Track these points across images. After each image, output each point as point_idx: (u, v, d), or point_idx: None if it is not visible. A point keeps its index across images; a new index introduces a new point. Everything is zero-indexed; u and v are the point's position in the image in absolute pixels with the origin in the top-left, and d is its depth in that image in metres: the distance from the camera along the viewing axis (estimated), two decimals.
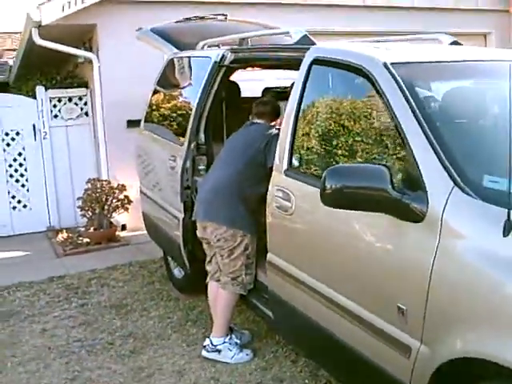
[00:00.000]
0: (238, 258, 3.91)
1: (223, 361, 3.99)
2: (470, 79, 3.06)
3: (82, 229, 7.52)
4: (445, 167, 2.38)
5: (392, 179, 2.44)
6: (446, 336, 2.26)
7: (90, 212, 7.27)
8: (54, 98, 8.22)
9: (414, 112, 2.58)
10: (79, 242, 7.32)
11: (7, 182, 8.15)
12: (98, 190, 7.22)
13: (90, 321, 4.82)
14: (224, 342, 4.05)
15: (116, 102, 7.50)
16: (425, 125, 2.52)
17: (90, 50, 7.98)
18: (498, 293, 2.08)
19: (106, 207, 7.24)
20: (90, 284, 5.65)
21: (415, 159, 2.48)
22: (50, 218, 8.30)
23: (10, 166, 8.16)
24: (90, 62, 7.77)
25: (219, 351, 4.04)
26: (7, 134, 8.10)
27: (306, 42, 3.71)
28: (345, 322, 2.89)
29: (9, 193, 8.18)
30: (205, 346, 4.09)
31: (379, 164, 2.56)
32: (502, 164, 2.42)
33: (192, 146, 4.48)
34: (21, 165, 8.20)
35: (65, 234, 7.62)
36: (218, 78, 4.55)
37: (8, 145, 8.12)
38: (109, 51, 7.56)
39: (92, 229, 7.35)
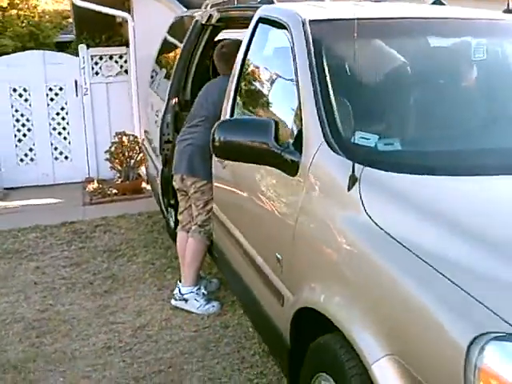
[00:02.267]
0: (211, 209, 4.08)
1: (189, 309, 4.20)
2: (387, 38, 3.03)
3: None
4: (321, 122, 2.43)
5: (277, 133, 2.51)
6: (301, 286, 2.34)
7: (117, 165, 7.64)
8: (95, 55, 8.60)
9: (311, 68, 2.62)
10: (108, 192, 7.71)
11: (50, 134, 8.66)
12: (125, 144, 7.56)
13: (81, 262, 5.17)
14: (191, 292, 4.25)
15: (147, 59, 7.75)
16: (316, 81, 2.56)
17: (129, 10, 8.27)
18: (334, 247, 2.15)
19: (131, 160, 7.58)
20: (94, 230, 6.01)
21: (301, 114, 2.55)
22: (88, 170, 8.76)
23: (53, 119, 8.64)
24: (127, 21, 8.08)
25: (186, 300, 4.24)
26: (51, 89, 8.57)
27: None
28: (249, 269, 3.03)
29: (52, 144, 8.69)
30: (174, 295, 4.32)
31: (268, 118, 2.65)
32: (384, 122, 2.49)
33: (173, 101, 4.66)
34: (63, 118, 8.68)
35: (95, 185, 8.04)
36: (204, 38, 4.69)
37: (52, 99, 8.60)
38: (141, 11, 7.82)
39: (120, 180, 7.74)
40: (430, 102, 2.62)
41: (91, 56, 8.59)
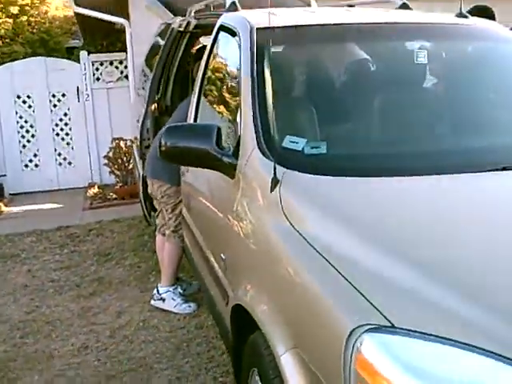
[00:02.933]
0: (180, 213, 4.23)
1: (166, 309, 4.35)
2: (329, 44, 3.11)
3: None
4: (255, 127, 2.54)
5: (219, 138, 2.63)
6: (238, 285, 2.46)
7: (115, 169, 7.83)
8: (96, 61, 8.81)
9: (252, 74, 2.72)
10: (108, 197, 7.91)
11: (54, 140, 8.89)
12: (123, 149, 7.74)
13: (71, 265, 5.35)
14: (168, 291, 4.41)
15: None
16: (255, 87, 2.66)
17: (127, 17, 8.44)
18: (257, 247, 2.27)
19: (129, 165, 7.76)
20: (88, 234, 6.19)
21: (240, 119, 2.66)
22: (91, 175, 8.96)
23: (57, 125, 8.88)
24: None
25: (163, 300, 4.40)
26: (54, 96, 8.80)
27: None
28: (205, 269, 3.17)
29: (55, 150, 8.92)
30: (153, 295, 4.47)
31: (212, 123, 2.77)
32: (315, 127, 2.60)
33: (153, 107, 4.81)
34: (66, 124, 8.91)
35: (96, 190, 8.23)
36: (182, 45, 4.84)
37: (55, 105, 8.83)
38: (138, 18, 7.97)
39: (119, 185, 7.92)
40: (360, 107, 2.72)
41: (92, 62, 8.81)
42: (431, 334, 1.47)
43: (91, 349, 3.88)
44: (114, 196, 7.88)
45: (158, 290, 4.44)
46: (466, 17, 3.32)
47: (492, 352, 1.41)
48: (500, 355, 1.40)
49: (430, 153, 2.45)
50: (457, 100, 2.84)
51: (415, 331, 1.48)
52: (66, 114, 8.88)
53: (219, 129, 2.65)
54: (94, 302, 4.57)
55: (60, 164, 8.97)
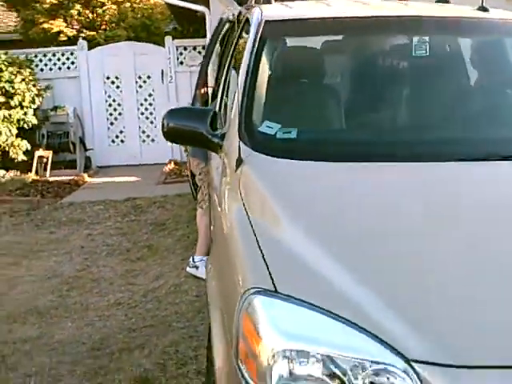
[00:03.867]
0: None
1: (199, 276, 4.70)
2: (331, 37, 3.27)
3: None
4: (240, 111, 2.77)
5: (214, 121, 2.89)
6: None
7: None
8: (179, 46, 9.29)
9: (249, 64, 2.97)
10: (182, 173, 8.37)
11: (138, 118, 9.50)
12: None
13: (128, 232, 5.83)
14: (201, 260, 4.75)
15: None
16: (249, 75, 2.89)
17: (207, 4, 8.84)
18: (219, 222, 2.52)
19: None
20: (151, 206, 6.67)
21: (232, 103, 2.92)
22: (172, 152, 9.49)
23: (142, 104, 9.47)
24: None
25: (197, 267, 4.75)
26: (140, 78, 9.39)
27: None
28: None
29: (139, 128, 9.53)
30: (188, 263, 4.85)
31: (207, 108, 3.05)
32: (293, 114, 2.82)
33: (202, 90, 5.15)
34: (150, 104, 9.48)
35: (172, 166, 8.73)
36: (234, 32, 5.13)
37: (140, 86, 9.42)
38: (216, 6, 8.34)
39: None
40: (341, 95, 2.88)
41: (176, 47, 9.29)
42: (306, 301, 1.60)
43: (123, 305, 4.30)
44: (187, 173, 8.33)
45: (193, 259, 4.80)
46: (486, 10, 3.33)
47: (355, 324, 1.54)
48: (361, 327, 1.53)
49: (396, 142, 2.56)
50: (432, 93, 2.90)
51: (293, 297, 1.62)
52: (150, 95, 9.44)
53: (215, 112, 2.91)
54: (138, 266, 5.01)
55: (143, 141, 9.57)
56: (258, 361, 1.61)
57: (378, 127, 2.68)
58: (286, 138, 2.57)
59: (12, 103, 8.20)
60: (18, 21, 15.59)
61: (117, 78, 9.35)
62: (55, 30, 14.79)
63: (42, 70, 9.42)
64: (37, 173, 8.60)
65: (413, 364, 1.47)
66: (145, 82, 9.40)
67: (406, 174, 2.33)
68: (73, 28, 14.50)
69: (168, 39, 9.29)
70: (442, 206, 2.09)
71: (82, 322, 4.07)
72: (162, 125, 2.97)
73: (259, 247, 1.90)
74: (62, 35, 13.68)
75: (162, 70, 9.31)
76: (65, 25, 14.69)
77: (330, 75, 3.07)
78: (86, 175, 8.55)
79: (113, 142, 9.52)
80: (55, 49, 9.58)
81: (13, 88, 8.18)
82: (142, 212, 6.47)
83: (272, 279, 1.70)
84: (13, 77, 8.26)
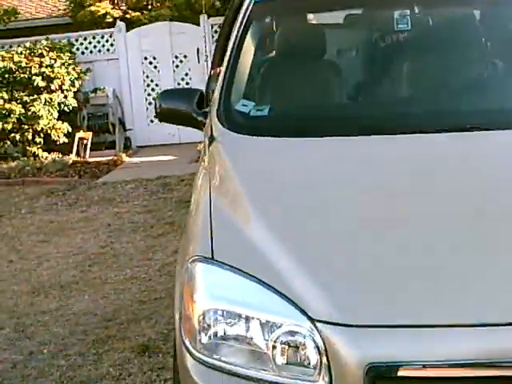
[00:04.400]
0: None
1: None
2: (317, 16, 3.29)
3: None
4: (221, 91, 2.87)
5: (201, 100, 2.99)
6: None
7: None
8: (215, 24, 9.39)
9: (233, 44, 3.05)
10: None
11: None
12: None
13: (154, 209, 6.04)
14: None
15: None
16: (233, 56, 2.96)
17: None
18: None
19: None
20: (179, 183, 6.86)
21: (216, 82, 3.02)
22: None
23: (179, 84, 9.65)
24: None
25: None
26: (176, 57, 9.56)
27: None
28: None
29: None
30: None
31: (195, 88, 3.14)
32: (269, 92, 2.89)
33: (218, 70, 5.25)
34: (187, 83, 9.64)
35: None
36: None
37: (177, 66, 9.60)
38: None
39: None
40: (318, 73, 2.91)
41: (211, 25, 9.39)
42: (235, 267, 1.72)
43: (138, 279, 4.50)
44: None
45: None
46: None
47: (273, 288, 1.66)
48: (278, 290, 1.65)
49: (366, 116, 2.55)
50: (407, 67, 2.89)
51: (225, 263, 1.75)
52: (186, 74, 9.61)
53: (201, 93, 3.01)
54: (159, 242, 5.20)
55: None
56: (191, 323, 1.75)
57: (347, 103, 2.73)
58: (258, 115, 2.65)
59: (52, 87, 8.52)
60: (68, 4, 16.06)
61: (154, 58, 9.54)
62: (101, 12, 15.18)
63: (82, 53, 9.71)
64: (78, 154, 8.93)
65: (317, 324, 1.56)
66: (181, 61, 9.56)
67: (370, 148, 2.34)
68: (119, 9, 14.84)
69: (203, 17, 9.42)
70: (394, 178, 2.14)
71: (98, 295, 4.30)
72: (155, 105, 3.11)
73: (210, 221, 2.03)
74: (108, 17, 14.02)
75: (198, 49, 9.44)
76: (111, 7, 15.05)
77: (310, 54, 3.10)
78: (124, 155, 8.81)
79: (151, 121, 9.74)
80: (95, 32, 9.85)
81: (53, 72, 8.48)
82: (169, 190, 6.67)
83: (212, 249, 1.83)
84: (52, 61, 8.56)
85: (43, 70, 8.46)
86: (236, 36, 3.05)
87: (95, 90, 9.39)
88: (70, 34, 9.72)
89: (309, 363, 1.60)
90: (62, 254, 5.12)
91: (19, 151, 8.80)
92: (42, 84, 8.47)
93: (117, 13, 14.58)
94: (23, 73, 8.41)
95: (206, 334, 1.71)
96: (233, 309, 1.69)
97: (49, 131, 8.60)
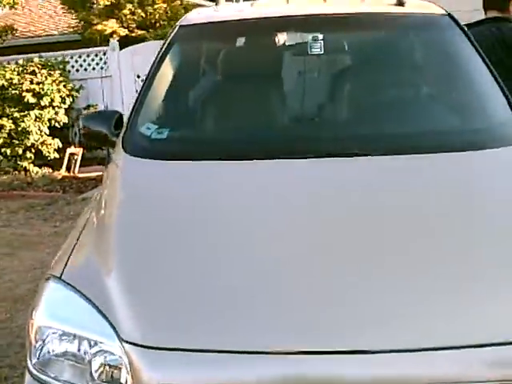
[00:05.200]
0: None
1: None
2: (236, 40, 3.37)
3: None
4: (129, 115, 2.94)
5: (117, 122, 3.08)
6: None
7: None
8: None
9: (151, 68, 3.15)
10: None
11: None
12: None
13: None
14: None
15: None
16: (148, 78, 3.07)
17: None
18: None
19: None
20: None
21: None
22: None
23: None
24: None
25: None
26: None
27: None
28: None
29: None
30: None
31: (114, 110, 3.25)
32: (172, 116, 2.98)
33: None
34: None
35: None
36: None
37: None
38: None
39: None
40: (219, 98, 3.00)
41: None
42: (75, 288, 1.84)
43: None
44: None
45: None
46: (402, 4, 3.31)
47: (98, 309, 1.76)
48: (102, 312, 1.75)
49: (252, 141, 2.60)
50: (308, 93, 2.96)
51: (69, 284, 1.87)
52: None
53: (120, 115, 3.10)
54: None
55: None
56: (29, 339, 1.85)
57: (241, 127, 2.79)
58: (158, 138, 2.73)
59: (42, 103, 8.72)
60: (77, 22, 16.44)
61: None
62: (108, 31, 15.50)
63: (77, 70, 9.92)
64: (68, 170, 9.10)
65: (125, 345, 1.65)
66: None
67: (251, 173, 2.40)
68: (125, 28, 15.15)
69: None
70: (262, 200, 2.20)
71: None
72: (79, 128, 3.23)
73: (76, 243, 2.14)
74: (114, 35, 14.33)
75: None
76: (118, 25, 15.36)
77: (215, 78, 3.20)
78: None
79: None
80: (89, 50, 10.05)
81: (43, 90, 8.69)
82: None
83: (64, 269, 1.95)
84: (43, 79, 8.78)
85: (33, 86, 8.67)
86: (156, 59, 3.16)
87: (88, 107, 9.58)
88: (64, 52, 9.94)
89: (120, 382, 1.68)
90: (24, 267, 5.23)
91: (10, 166, 9.00)
92: (33, 100, 8.68)
93: (123, 31, 14.90)
94: (15, 89, 8.62)
95: (40, 351, 1.80)
96: (65, 327, 1.78)
97: (39, 146, 8.80)
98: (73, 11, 16.42)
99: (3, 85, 8.67)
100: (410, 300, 1.69)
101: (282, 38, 3.33)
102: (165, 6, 15.34)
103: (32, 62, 9.10)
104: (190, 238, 2.05)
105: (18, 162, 8.84)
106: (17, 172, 8.88)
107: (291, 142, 2.56)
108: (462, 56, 3.03)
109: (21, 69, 8.89)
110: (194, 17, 3.46)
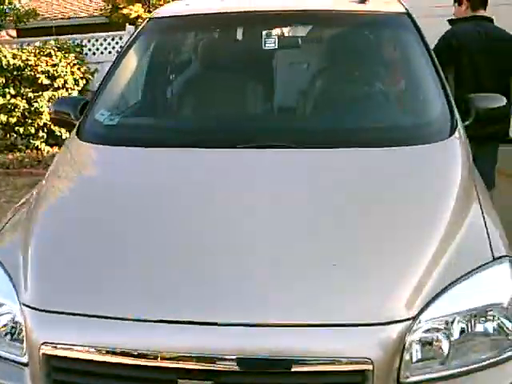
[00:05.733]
0: None
1: None
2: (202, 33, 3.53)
3: None
4: (91, 101, 3.13)
5: (83, 107, 3.25)
6: None
7: None
8: None
9: (117, 56, 3.33)
10: None
11: None
12: None
13: None
14: None
15: None
16: (113, 67, 3.24)
17: None
18: None
19: None
20: None
21: None
22: None
23: None
24: None
25: None
26: None
27: None
28: None
29: None
30: None
31: (81, 97, 3.44)
32: (127, 104, 3.16)
33: None
34: None
35: None
36: None
37: None
38: None
39: None
40: (174, 88, 3.16)
41: None
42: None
43: None
44: None
45: None
46: (363, 2, 3.40)
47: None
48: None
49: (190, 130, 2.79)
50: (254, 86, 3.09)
51: None
52: None
53: (86, 101, 3.29)
54: None
55: None
56: None
57: (188, 117, 2.96)
58: (109, 124, 2.92)
59: (55, 85, 8.99)
60: (105, 5, 16.72)
61: None
62: (134, 14, 15.74)
63: (94, 54, 10.16)
64: None
65: (22, 306, 1.85)
66: None
67: (188, 159, 2.57)
68: (150, 12, 15.36)
69: None
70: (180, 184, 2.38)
71: None
72: (49, 112, 3.42)
73: (10, 218, 2.34)
74: (139, 19, 14.59)
75: None
76: (143, 10, 15.61)
77: (175, 69, 3.37)
78: None
79: None
80: (106, 34, 10.27)
81: (56, 72, 8.95)
82: None
83: None
84: (58, 61, 9.04)
85: (48, 68, 8.94)
86: (122, 49, 3.33)
87: None
88: (80, 36, 10.18)
89: (21, 341, 1.87)
90: None
91: (24, 144, 9.31)
92: (47, 82, 8.94)
93: (148, 16, 15.12)
94: (30, 70, 8.89)
95: None
96: None
97: (52, 126, 9.06)
98: None
99: (19, 66, 8.94)
100: (284, 276, 1.84)
101: (240, 33, 3.49)
102: None
103: (49, 44, 9.36)
104: (113, 219, 2.23)
105: (31, 141, 9.13)
106: (29, 150, 9.18)
107: (227, 131, 2.72)
108: (411, 55, 3.14)
109: (37, 51, 9.14)
110: (164, 10, 3.63)
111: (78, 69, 9.32)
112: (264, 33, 3.23)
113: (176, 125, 2.89)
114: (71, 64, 9.20)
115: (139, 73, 3.31)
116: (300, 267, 1.87)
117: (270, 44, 3.19)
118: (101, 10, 17.23)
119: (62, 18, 19.11)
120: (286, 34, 3.33)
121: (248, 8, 3.45)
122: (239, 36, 3.45)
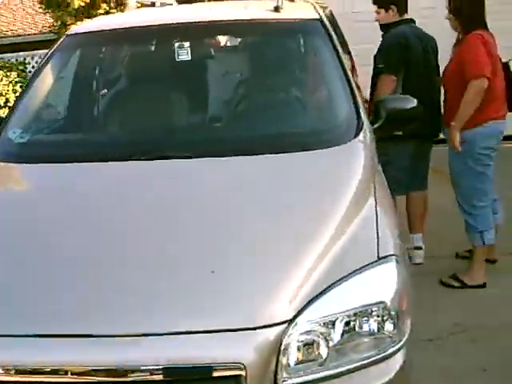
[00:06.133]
0: None
1: None
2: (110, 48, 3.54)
3: None
4: (6, 116, 3.12)
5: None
6: None
7: None
8: None
9: (32, 74, 3.31)
10: None
11: None
12: None
13: None
14: None
15: None
16: (26, 86, 3.24)
17: None
18: None
19: None
20: None
21: None
22: None
23: None
24: None
25: None
26: None
27: None
28: None
29: None
30: None
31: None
32: (41, 122, 3.14)
33: None
34: None
35: None
36: None
37: None
38: None
39: None
40: (87, 103, 3.17)
41: None
42: None
43: None
44: None
45: None
46: (277, 10, 3.41)
47: None
48: None
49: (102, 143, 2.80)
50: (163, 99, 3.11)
51: None
52: None
53: (2, 118, 3.25)
54: None
55: None
56: None
57: (91, 132, 2.97)
58: (19, 142, 2.90)
59: None
60: (53, 22, 16.57)
61: None
62: None
63: None
64: None
65: None
66: None
67: (90, 173, 2.57)
68: None
69: None
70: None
71: None
72: None
73: None
74: None
75: None
76: None
77: (88, 84, 3.37)
78: None
79: None
80: (45, 51, 10.17)
81: None
82: None
83: None
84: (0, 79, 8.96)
85: None
86: (37, 66, 3.32)
87: None
88: (25, 53, 10.09)
89: None
90: None
91: None
92: None
93: None
94: None
95: None
96: None
97: None
98: (49, 11, 16.57)
99: None
100: (161, 286, 1.86)
101: (153, 47, 3.50)
102: (139, 5, 15.48)
103: None
104: (18, 235, 2.22)
105: None
106: None
107: (127, 144, 2.74)
108: (321, 60, 3.17)
109: None
110: (78, 27, 3.62)
111: (21, 87, 9.22)
112: (176, 44, 3.23)
113: (82, 140, 2.89)
114: (13, 82, 9.11)
115: (53, 90, 3.30)
116: (181, 276, 1.89)
117: (183, 55, 3.19)
118: (49, 27, 17.07)
119: (11, 36, 18.89)
120: (197, 45, 3.33)
121: (162, 21, 3.46)
122: (153, 49, 3.47)
